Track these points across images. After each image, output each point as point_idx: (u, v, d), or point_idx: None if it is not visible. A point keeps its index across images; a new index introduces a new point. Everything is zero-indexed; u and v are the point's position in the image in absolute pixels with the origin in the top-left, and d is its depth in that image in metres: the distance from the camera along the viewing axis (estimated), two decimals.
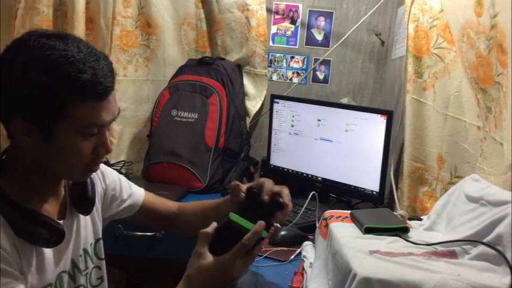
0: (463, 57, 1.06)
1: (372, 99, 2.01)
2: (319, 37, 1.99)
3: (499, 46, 0.87)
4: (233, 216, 0.79)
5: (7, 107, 0.74)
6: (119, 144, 1.93)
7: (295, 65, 2.02)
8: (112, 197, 1.04)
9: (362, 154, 1.48)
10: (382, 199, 1.47)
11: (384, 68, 1.98)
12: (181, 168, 1.67)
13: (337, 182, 1.57)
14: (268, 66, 2.00)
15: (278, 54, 2.01)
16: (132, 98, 1.93)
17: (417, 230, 0.99)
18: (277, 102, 1.72)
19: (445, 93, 1.22)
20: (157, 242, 1.40)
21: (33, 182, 0.80)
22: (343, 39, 1.86)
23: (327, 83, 2.02)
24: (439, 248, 0.85)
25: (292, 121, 1.68)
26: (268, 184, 0.91)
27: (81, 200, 0.90)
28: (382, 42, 1.96)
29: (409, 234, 0.92)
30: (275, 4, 1.97)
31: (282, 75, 2.03)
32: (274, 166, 1.77)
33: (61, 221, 0.83)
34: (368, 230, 0.91)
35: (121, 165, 1.83)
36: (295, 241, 1.23)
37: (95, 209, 0.94)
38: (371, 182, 1.46)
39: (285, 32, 2.00)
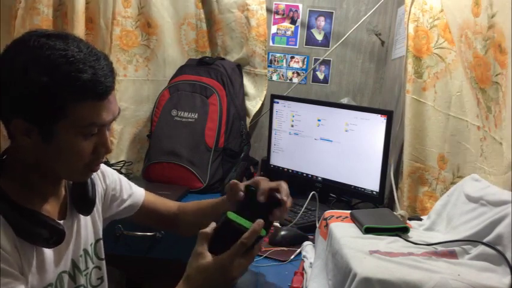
0: (462, 57, 1.07)
1: (372, 99, 2.01)
2: (319, 37, 1.99)
3: (497, 46, 0.87)
4: (231, 215, 0.79)
5: (7, 107, 0.74)
6: (119, 144, 1.93)
7: (295, 65, 2.02)
8: (112, 197, 1.04)
9: (362, 154, 1.48)
10: (382, 199, 1.47)
11: (384, 68, 1.98)
12: (181, 168, 1.67)
13: (337, 182, 1.57)
14: (268, 66, 2.00)
15: (278, 54, 2.01)
16: (132, 98, 1.93)
17: (417, 230, 0.99)
18: (277, 102, 1.72)
19: (447, 93, 1.22)
20: (157, 242, 1.40)
21: (33, 182, 0.80)
22: (343, 39, 1.86)
23: (327, 83, 2.02)
24: (439, 248, 0.85)
25: (292, 121, 1.68)
26: (264, 183, 0.90)
27: (82, 200, 0.90)
28: (382, 42, 1.96)
29: (409, 234, 0.92)
30: (275, 4, 1.97)
31: (282, 75, 2.03)
32: (274, 166, 1.77)
33: (61, 221, 0.83)
34: (368, 230, 0.91)
35: (121, 165, 1.83)
36: (295, 241, 1.23)
37: (95, 209, 0.93)
38: (371, 182, 1.46)
39: (285, 32, 2.00)
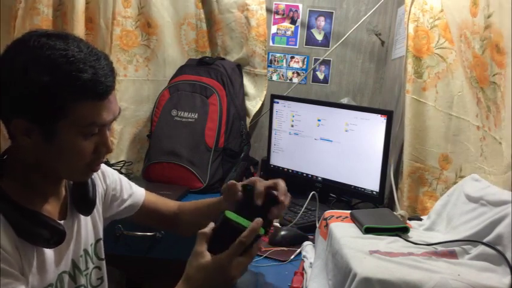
0: (462, 57, 1.07)
1: (372, 99, 2.01)
2: (319, 37, 1.99)
3: (495, 46, 0.87)
4: (229, 214, 0.79)
5: (7, 107, 0.74)
6: (119, 144, 1.93)
7: (295, 65, 2.02)
8: (112, 197, 1.04)
9: (362, 154, 1.48)
10: (382, 199, 1.47)
11: (384, 68, 1.98)
12: (181, 168, 1.67)
13: (337, 182, 1.57)
14: (268, 66, 2.00)
15: (278, 54, 2.01)
16: (132, 98, 1.93)
17: (417, 230, 0.99)
18: (277, 102, 1.72)
19: (448, 93, 1.22)
20: (157, 242, 1.40)
21: (34, 182, 0.80)
22: (343, 39, 1.86)
23: (327, 83, 2.02)
24: (439, 248, 0.85)
25: (292, 121, 1.68)
26: (260, 184, 0.89)
27: (82, 200, 0.90)
28: (382, 42, 1.96)
29: (409, 234, 0.92)
30: (275, 4, 1.97)
31: (282, 75, 2.03)
32: (274, 166, 1.77)
33: (62, 222, 0.83)
34: (368, 230, 0.91)
35: (121, 165, 1.83)
36: (295, 241, 1.23)
37: (95, 209, 0.94)
38: (371, 182, 1.46)
39: (285, 32, 2.00)
